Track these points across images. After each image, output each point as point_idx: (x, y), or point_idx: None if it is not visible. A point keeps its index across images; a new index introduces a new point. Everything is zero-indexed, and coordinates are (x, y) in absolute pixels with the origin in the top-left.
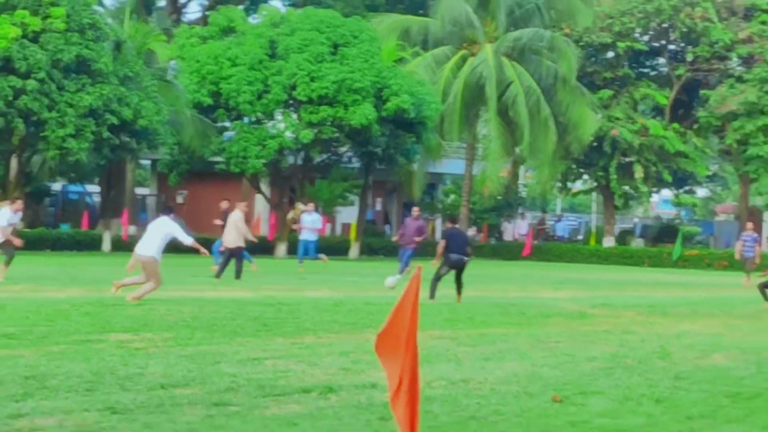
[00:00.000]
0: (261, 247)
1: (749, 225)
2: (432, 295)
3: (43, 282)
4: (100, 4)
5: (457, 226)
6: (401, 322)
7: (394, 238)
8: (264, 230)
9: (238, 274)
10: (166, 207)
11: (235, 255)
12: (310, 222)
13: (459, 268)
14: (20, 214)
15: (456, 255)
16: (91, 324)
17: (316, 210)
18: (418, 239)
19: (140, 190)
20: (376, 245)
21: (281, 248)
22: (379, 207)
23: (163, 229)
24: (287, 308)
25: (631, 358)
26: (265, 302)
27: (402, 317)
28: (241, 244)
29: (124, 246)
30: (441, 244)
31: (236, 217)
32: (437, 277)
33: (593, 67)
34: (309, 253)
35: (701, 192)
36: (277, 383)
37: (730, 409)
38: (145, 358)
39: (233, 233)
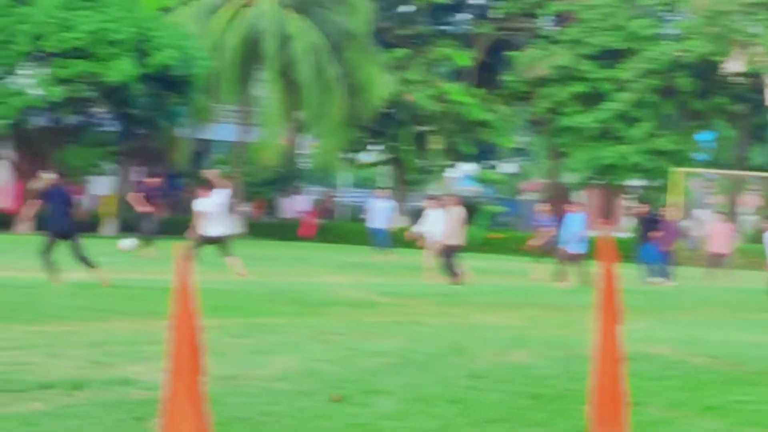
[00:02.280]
0: (1, 221)
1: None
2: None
3: None
4: None
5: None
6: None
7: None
8: (5, 202)
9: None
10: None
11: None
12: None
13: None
14: None
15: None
16: None
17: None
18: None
19: None
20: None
21: (25, 223)
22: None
23: None
24: (27, 291)
25: (421, 353)
26: (2, 284)
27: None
28: None
29: None
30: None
31: None
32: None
33: (386, 22)
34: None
35: (506, 167)
36: (14, 378)
37: (531, 412)
38: None
39: None
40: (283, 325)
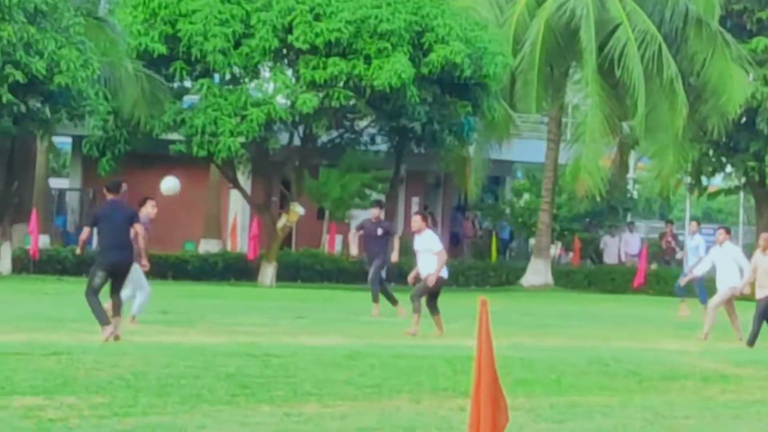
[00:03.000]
0: (239, 269)
1: None
2: None
3: None
4: None
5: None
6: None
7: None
8: (242, 243)
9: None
10: None
11: None
12: None
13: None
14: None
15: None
16: None
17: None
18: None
19: (56, 182)
20: (409, 269)
21: (268, 272)
22: (416, 210)
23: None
24: (278, 361)
25: None
26: (245, 352)
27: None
28: None
29: (34, 265)
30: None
31: None
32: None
33: (743, 3)
34: None
35: None
36: None
37: None
38: None
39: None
40: (612, 406)
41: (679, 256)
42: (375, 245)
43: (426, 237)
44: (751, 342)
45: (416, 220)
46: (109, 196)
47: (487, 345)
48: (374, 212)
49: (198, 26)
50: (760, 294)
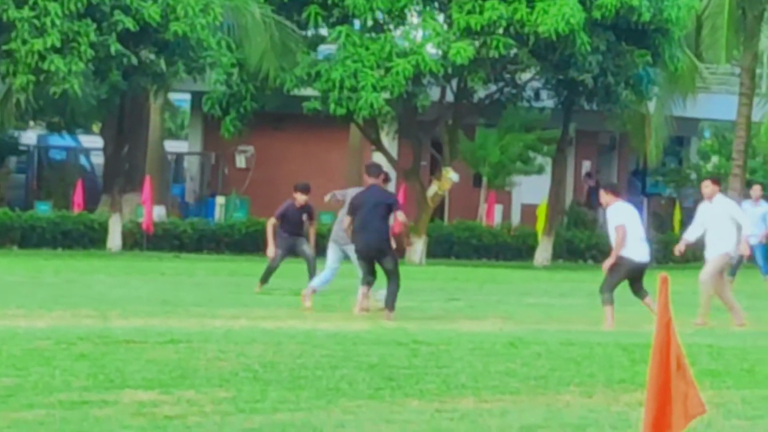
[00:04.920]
0: None
1: None
2: None
3: (5, 302)
4: None
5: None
6: None
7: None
8: None
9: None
10: None
11: None
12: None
13: None
14: None
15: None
16: (90, 374)
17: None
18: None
19: (173, 145)
20: (581, 243)
21: (417, 247)
22: (586, 174)
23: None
24: (428, 350)
25: None
26: (391, 339)
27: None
28: None
29: (147, 240)
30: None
31: None
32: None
33: None
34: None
35: None
36: None
37: None
38: None
39: None
40: None
41: None
42: (297, 230)
43: (611, 210)
44: None
45: (603, 195)
46: (370, 180)
47: (666, 326)
48: (299, 198)
49: None
50: None
